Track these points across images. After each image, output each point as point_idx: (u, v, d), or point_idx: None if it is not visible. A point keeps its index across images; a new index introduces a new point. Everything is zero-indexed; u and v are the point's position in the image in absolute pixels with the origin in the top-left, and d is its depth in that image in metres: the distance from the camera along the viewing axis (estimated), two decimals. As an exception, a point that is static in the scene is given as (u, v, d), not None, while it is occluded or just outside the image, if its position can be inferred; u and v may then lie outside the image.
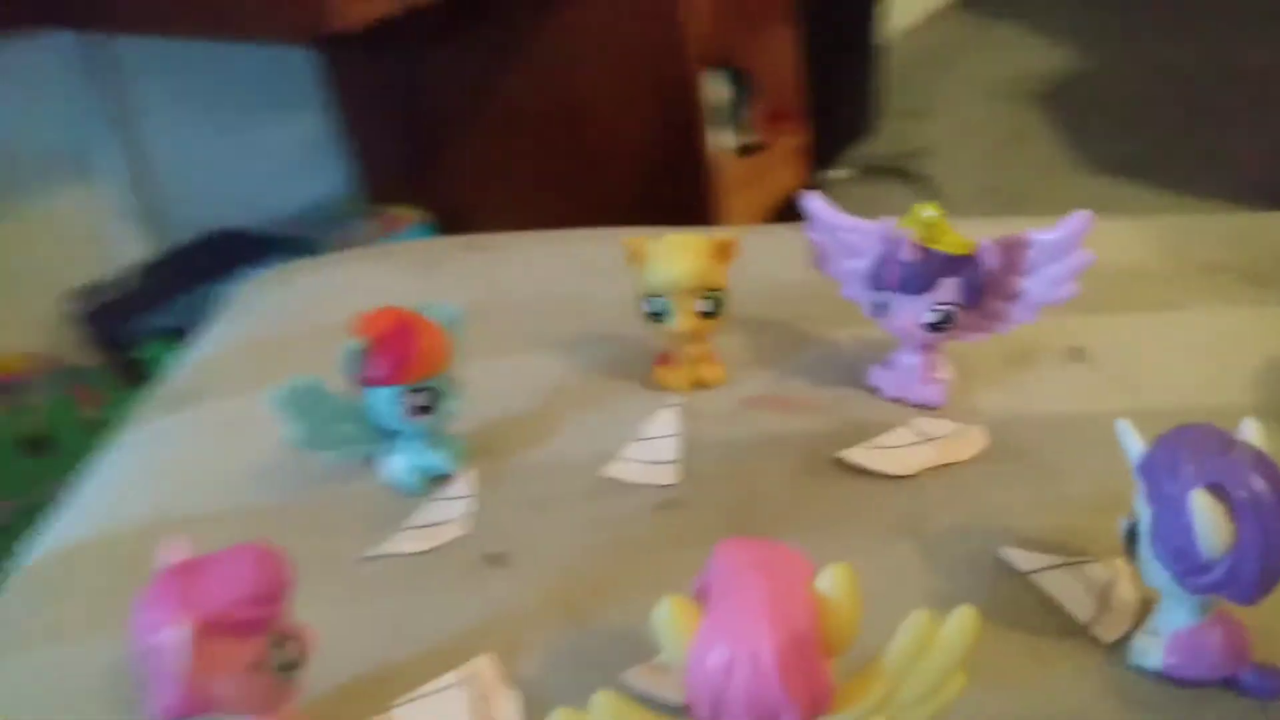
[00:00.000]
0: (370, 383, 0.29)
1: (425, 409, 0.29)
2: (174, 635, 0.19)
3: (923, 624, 0.18)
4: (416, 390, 0.29)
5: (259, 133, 0.92)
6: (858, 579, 0.18)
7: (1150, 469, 0.21)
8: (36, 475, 0.64)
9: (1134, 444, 0.21)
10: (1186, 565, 0.20)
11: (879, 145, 1.51)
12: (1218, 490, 0.19)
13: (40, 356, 0.71)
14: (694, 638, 0.18)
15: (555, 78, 0.90)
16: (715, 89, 1.66)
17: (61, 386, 0.69)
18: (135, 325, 0.74)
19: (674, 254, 0.32)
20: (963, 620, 0.18)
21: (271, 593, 0.20)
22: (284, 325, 0.43)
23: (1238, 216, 0.45)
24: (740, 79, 1.72)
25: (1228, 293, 0.38)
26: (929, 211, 0.30)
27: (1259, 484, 0.19)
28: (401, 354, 0.28)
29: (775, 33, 1.57)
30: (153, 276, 0.76)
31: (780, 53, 1.71)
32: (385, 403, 0.29)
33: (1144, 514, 0.21)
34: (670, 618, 0.18)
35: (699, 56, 0.94)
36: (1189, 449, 0.20)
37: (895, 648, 0.18)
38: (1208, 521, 0.19)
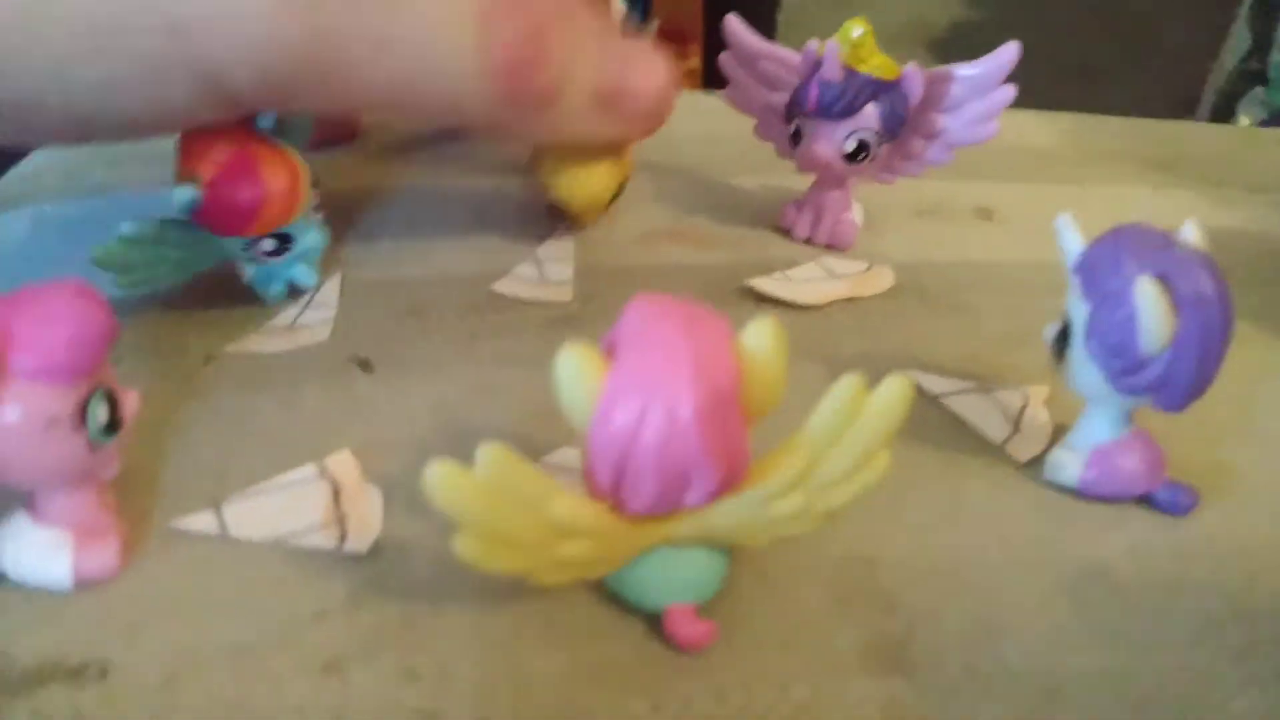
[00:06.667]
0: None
1: (276, 253, 0.25)
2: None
3: (855, 387, 0.16)
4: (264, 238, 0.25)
5: None
6: (785, 335, 0.16)
7: (1089, 264, 0.19)
8: None
9: (1073, 239, 0.20)
10: (1123, 362, 0.19)
11: (771, 76, 1.48)
12: (1162, 282, 0.18)
13: None
14: (600, 391, 0.15)
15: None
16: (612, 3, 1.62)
17: None
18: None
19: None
20: (895, 386, 0.16)
21: (90, 336, 0.17)
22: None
23: (1138, 120, 0.45)
24: (638, -8, 1.67)
25: (1131, 175, 0.38)
26: (858, 29, 0.28)
27: (1204, 279, 0.18)
28: (241, 201, 0.23)
29: (679, -51, 1.51)
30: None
31: (681, -30, 1.67)
32: (228, 244, 0.25)
33: (1078, 313, 0.20)
34: (574, 368, 0.15)
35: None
36: (1132, 244, 0.19)
37: (823, 412, 0.16)
38: (1152, 309, 0.18)
